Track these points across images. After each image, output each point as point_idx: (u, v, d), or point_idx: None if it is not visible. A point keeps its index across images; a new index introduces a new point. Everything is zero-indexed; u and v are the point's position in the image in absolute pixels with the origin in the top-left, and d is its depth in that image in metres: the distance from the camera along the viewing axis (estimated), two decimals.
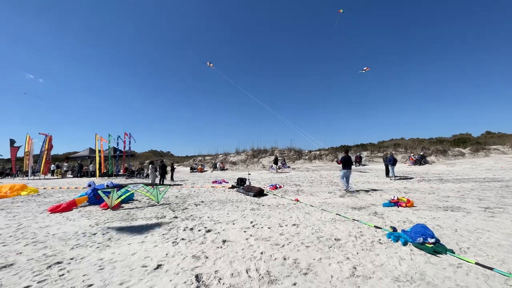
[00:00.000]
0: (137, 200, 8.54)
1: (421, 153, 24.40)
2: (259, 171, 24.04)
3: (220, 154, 35.01)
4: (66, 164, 26.06)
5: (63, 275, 3.00)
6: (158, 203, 7.82)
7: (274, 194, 9.15)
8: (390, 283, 2.66)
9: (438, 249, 3.49)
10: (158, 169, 14.58)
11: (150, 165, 14.52)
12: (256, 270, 3.01)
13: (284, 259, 3.34)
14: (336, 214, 5.84)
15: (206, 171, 27.26)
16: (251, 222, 5.25)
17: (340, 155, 12.10)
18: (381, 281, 2.71)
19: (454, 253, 3.42)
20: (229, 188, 11.44)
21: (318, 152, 31.01)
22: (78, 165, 24.33)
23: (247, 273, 2.93)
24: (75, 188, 13.39)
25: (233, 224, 5.18)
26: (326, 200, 7.77)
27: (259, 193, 8.93)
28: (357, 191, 9.42)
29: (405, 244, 3.77)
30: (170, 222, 5.46)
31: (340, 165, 9.94)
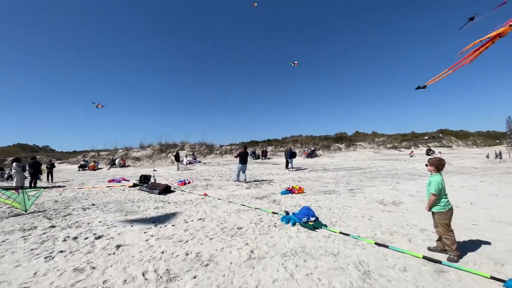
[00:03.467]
0: None
1: (313, 148, 29.21)
2: (167, 167, 22.54)
3: (120, 149, 30.58)
4: None
5: None
6: (26, 211, 6.10)
7: (182, 190, 8.83)
8: (279, 259, 3.09)
9: (316, 225, 4.31)
10: (28, 168, 11.33)
11: (15, 164, 11.06)
12: (155, 271, 2.85)
13: (187, 254, 3.31)
14: (241, 204, 6.23)
15: (101, 168, 23.23)
16: (153, 222, 4.90)
17: (237, 151, 12.17)
18: (273, 259, 3.12)
19: (327, 226, 4.32)
20: (130, 186, 10.20)
21: (229, 147, 31.95)
22: None
23: (143, 276, 2.73)
24: None
25: (132, 226, 4.69)
26: (234, 193, 8.16)
27: (165, 190, 8.41)
28: (247, 182, 10.40)
29: (294, 224, 4.46)
30: (44, 233, 4.38)
31: (237, 159, 10.76)
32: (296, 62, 19.63)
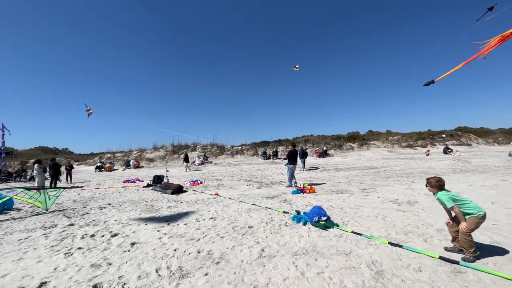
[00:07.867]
0: (16, 209, 6.73)
1: (324, 148, 28.83)
2: (180, 167, 22.94)
3: (135, 150, 31.41)
4: None
5: None
6: (47, 210, 6.40)
7: (194, 190, 8.97)
8: (290, 258, 3.09)
9: (328, 224, 4.26)
10: (48, 169, 11.86)
11: (36, 165, 11.62)
12: (168, 267, 2.92)
13: (198, 252, 3.37)
14: (252, 204, 6.25)
15: (116, 169, 23.96)
16: (166, 221, 5.01)
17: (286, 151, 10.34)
18: (283, 257, 3.12)
19: (339, 226, 4.26)
20: (143, 187, 10.47)
21: (240, 147, 32.12)
22: None
23: (157, 272, 2.81)
24: None
25: (146, 224, 4.82)
26: (245, 192, 8.19)
27: (178, 190, 8.57)
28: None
29: (305, 224, 4.42)
30: (63, 231, 4.59)
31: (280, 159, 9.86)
32: (297, 66, 18.97)
